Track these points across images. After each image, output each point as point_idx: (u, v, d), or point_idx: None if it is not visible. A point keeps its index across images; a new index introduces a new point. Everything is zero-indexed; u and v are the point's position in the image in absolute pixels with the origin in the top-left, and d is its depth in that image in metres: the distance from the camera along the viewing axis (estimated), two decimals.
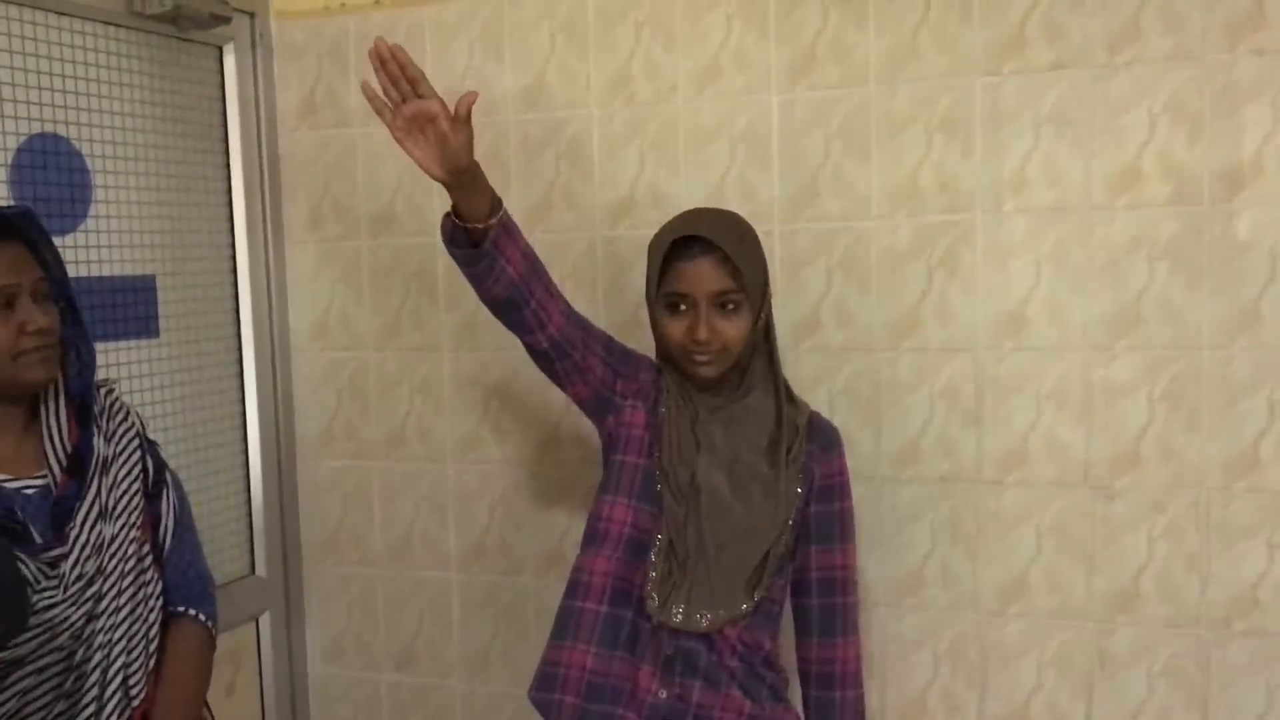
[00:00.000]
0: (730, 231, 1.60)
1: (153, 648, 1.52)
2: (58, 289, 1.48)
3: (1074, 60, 1.84)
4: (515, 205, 2.15)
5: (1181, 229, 1.81)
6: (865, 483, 2.00)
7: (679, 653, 1.63)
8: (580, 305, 2.14)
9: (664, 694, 1.63)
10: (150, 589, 1.53)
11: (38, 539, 1.39)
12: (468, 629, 2.32)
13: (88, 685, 1.43)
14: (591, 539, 1.67)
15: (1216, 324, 1.81)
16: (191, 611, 1.59)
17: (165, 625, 1.56)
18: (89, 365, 1.52)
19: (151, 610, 1.53)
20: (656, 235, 1.65)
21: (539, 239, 2.15)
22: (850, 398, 2.00)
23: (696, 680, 1.63)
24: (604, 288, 2.13)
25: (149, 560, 1.54)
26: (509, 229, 1.59)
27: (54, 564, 1.40)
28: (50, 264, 1.46)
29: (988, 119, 1.89)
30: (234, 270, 2.33)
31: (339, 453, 2.40)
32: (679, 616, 1.61)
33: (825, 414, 1.97)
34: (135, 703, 1.48)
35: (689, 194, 2.04)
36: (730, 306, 1.59)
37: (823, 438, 1.70)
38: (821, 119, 1.98)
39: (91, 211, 1.99)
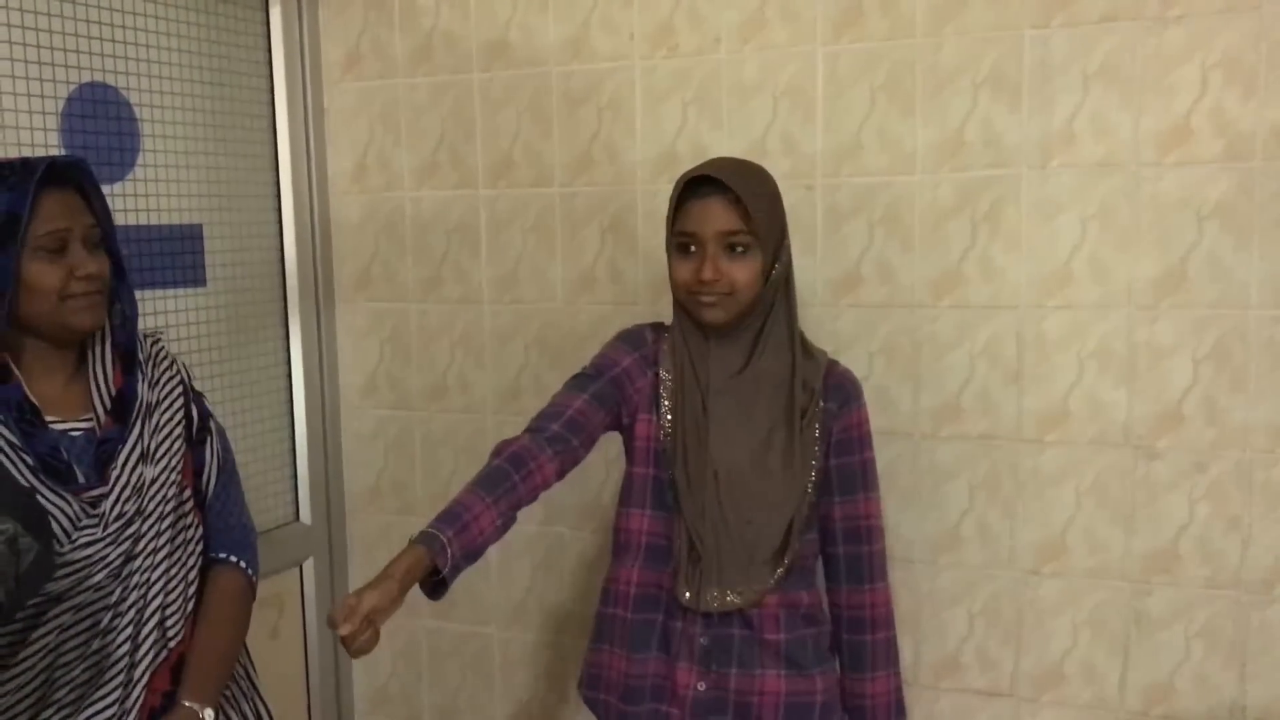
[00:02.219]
0: (745, 175, 1.58)
1: (191, 590, 1.55)
2: (106, 240, 1.50)
3: (1124, 12, 1.81)
4: (556, 159, 2.16)
5: (1232, 187, 1.78)
6: (904, 440, 2.00)
7: (714, 643, 1.64)
8: (619, 261, 2.15)
9: (703, 685, 1.64)
10: (190, 534, 1.56)
11: (80, 478, 1.43)
12: (506, 578, 2.35)
13: (124, 624, 1.46)
14: (617, 550, 1.72)
15: (1265, 284, 1.78)
16: (232, 559, 1.62)
17: (205, 571, 1.59)
18: (132, 317, 1.54)
19: (191, 554, 1.56)
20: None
21: (579, 192, 2.15)
22: (890, 355, 1.99)
23: (732, 668, 1.64)
24: (643, 245, 2.14)
25: (190, 505, 1.57)
26: (464, 547, 1.43)
27: (95, 503, 1.43)
28: (100, 214, 1.48)
29: (1035, 73, 1.86)
30: (279, 220, 2.35)
31: (382, 403, 2.43)
32: (715, 602, 1.62)
33: (864, 371, 1.98)
34: (172, 644, 1.51)
35: (731, 148, 2.03)
36: (739, 249, 1.56)
37: (840, 394, 1.65)
38: (866, 72, 1.95)
39: (139, 160, 2.01)
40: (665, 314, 1.71)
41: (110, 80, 1.95)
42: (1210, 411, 1.83)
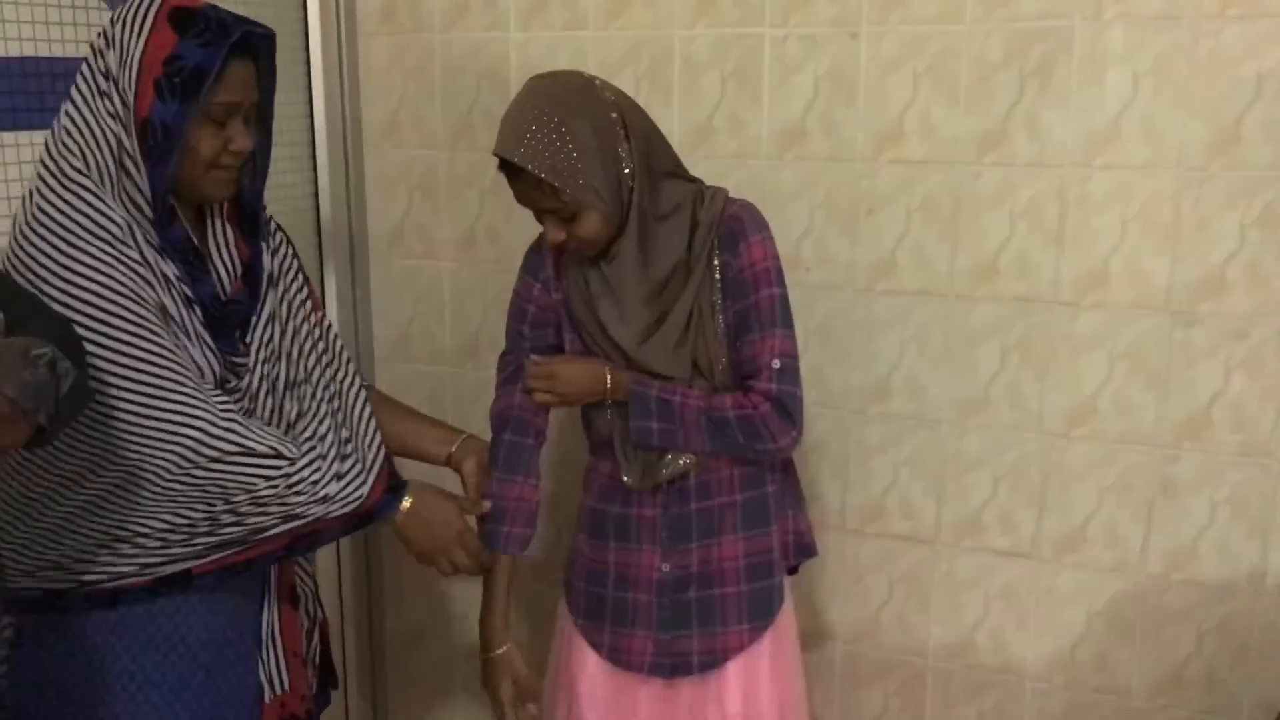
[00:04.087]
0: (540, 143, 1.48)
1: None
2: (262, 118, 1.48)
3: None
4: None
5: None
6: (938, 300, 1.97)
7: (674, 521, 1.66)
8: None
9: (666, 566, 1.68)
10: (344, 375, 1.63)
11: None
12: None
13: None
14: (589, 445, 1.76)
15: None
16: None
17: None
18: (263, 174, 1.52)
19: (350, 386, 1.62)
20: None
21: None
22: (929, 213, 1.95)
23: (693, 543, 1.67)
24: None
25: (339, 346, 1.64)
26: (521, 528, 1.72)
27: (237, 370, 1.46)
28: (265, 91, 1.46)
29: None
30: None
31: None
32: (657, 474, 1.64)
33: (900, 229, 1.96)
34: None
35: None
36: (570, 215, 1.53)
37: (729, 240, 1.59)
38: None
39: None
40: None
41: None
42: (1254, 278, 1.79)
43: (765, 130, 2.03)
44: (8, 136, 1.68)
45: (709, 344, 1.60)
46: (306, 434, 1.50)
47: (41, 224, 1.33)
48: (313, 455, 1.45)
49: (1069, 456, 1.95)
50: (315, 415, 1.53)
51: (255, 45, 1.41)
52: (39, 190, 1.35)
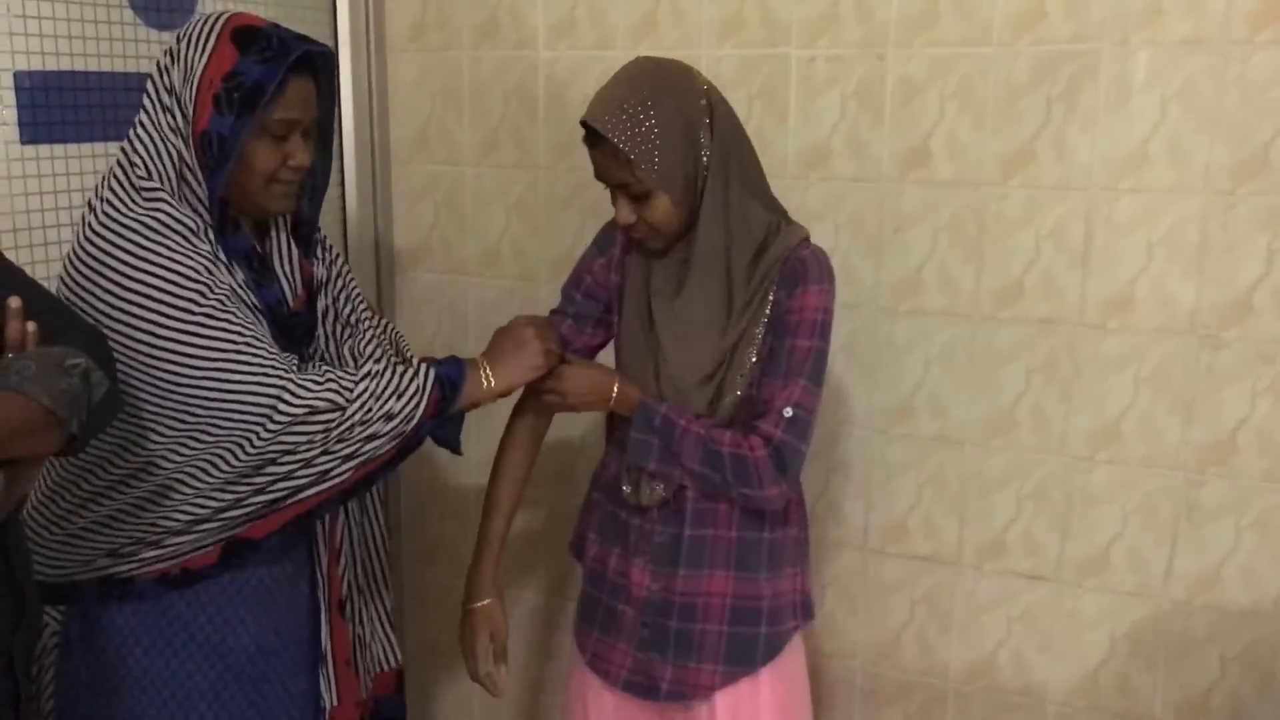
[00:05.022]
0: (627, 115, 1.48)
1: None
2: (323, 134, 1.52)
3: None
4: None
5: None
6: (963, 321, 1.98)
7: (667, 540, 1.64)
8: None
9: (656, 585, 1.66)
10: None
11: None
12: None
13: None
14: (607, 439, 1.77)
15: None
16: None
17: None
18: (321, 188, 1.57)
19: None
20: None
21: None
22: (954, 232, 1.96)
23: (680, 569, 1.64)
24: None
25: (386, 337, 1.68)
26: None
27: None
28: (325, 109, 1.50)
29: None
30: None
31: (437, 267, 2.43)
32: (654, 494, 1.62)
33: (927, 249, 1.96)
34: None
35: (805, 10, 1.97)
36: (640, 195, 1.52)
37: (789, 281, 1.57)
38: None
39: None
40: None
41: None
42: None
43: (791, 150, 2.04)
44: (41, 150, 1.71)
45: (730, 376, 1.59)
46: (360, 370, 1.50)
47: (111, 227, 1.36)
48: (367, 390, 1.45)
49: (1093, 479, 1.94)
50: (373, 357, 1.59)
51: (316, 64, 1.45)
52: (107, 200, 1.39)
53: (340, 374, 1.44)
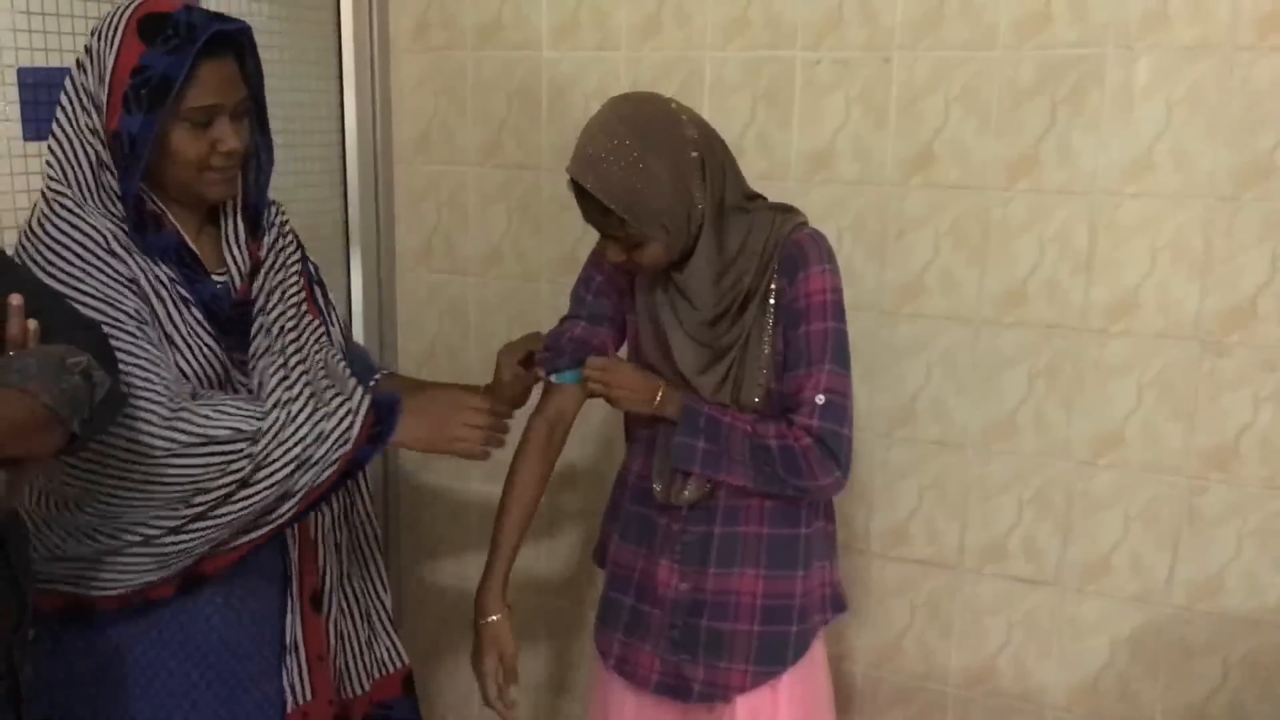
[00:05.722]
0: (616, 172, 1.45)
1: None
2: (255, 105, 1.48)
3: None
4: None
5: None
6: (964, 325, 1.97)
7: (696, 540, 1.63)
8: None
9: (684, 585, 1.65)
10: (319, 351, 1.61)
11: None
12: None
13: None
14: (627, 439, 1.77)
15: None
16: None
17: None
18: (266, 171, 1.53)
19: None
20: None
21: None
22: (958, 237, 1.95)
23: (710, 568, 1.63)
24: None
25: (320, 331, 1.62)
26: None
27: (240, 365, 1.47)
28: (254, 85, 1.45)
29: None
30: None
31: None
32: (685, 494, 1.61)
33: (930, 253, 1.96)
34: None
35: (811, 17, 1.97)
36: (633, 243, 1.51)
37: (789, 266, 1.55)
38: None
39: None
40: None
41: None
42: None
43: (794, 153, 2.03)
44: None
45: (748, 370, 1.57)
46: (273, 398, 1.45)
47: (28, 239, 1.36)
48: (280, 420, 1.39)
49: (1095, 484, 1.94)
50: (286, 381, 1.49)
51: (233, 42, 1.40)
52: (35, 207, 1.39)
53: (244, 403, 1.39)
